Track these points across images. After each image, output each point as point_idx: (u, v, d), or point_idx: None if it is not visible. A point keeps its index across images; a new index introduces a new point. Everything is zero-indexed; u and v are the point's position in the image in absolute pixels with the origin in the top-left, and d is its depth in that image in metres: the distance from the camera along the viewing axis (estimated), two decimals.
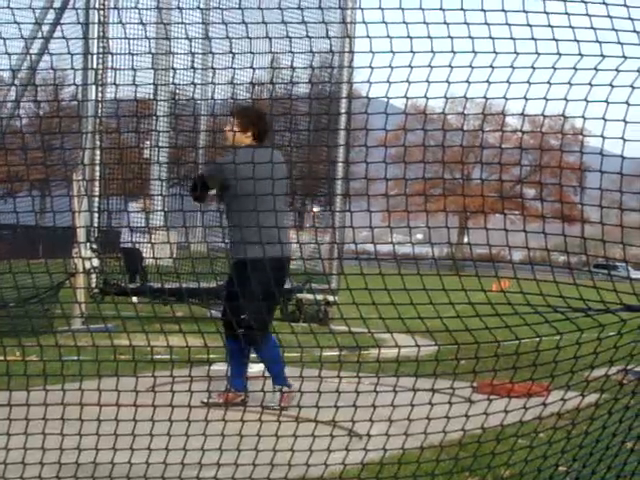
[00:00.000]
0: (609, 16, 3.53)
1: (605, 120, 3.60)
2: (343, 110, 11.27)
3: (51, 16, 9.77)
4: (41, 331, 4.30)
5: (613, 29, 3.52)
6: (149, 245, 13.04)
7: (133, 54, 3.93)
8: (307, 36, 3.96)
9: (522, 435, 3.79)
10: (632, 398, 3.62)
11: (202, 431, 3.51)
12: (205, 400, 4.76)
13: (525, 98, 3.67)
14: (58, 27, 9.20)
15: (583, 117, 3.68)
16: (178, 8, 3.91)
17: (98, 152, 10.31)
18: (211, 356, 5.17)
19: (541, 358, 3.66)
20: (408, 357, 4.22)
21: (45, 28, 9.22)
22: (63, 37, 4.15)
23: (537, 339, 3.67)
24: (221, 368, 4.48)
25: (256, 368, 5.31)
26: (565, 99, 3.65)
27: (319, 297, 12.40)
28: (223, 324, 5.82)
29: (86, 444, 3.53)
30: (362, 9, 3.76)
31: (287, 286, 12.81)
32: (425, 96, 3.77)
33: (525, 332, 3.59)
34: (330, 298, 12.39)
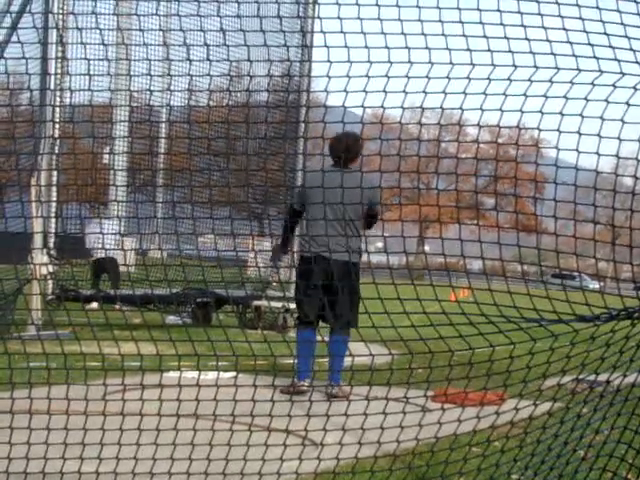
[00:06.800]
0: (564, 29, 3.57)
1: (560, 132, 3.64)
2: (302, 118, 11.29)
3: (9, 19, 9.67)
4: None
5: (568, 42, 3.56)
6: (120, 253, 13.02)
7: (89, 60, 3.90)
8: (265, 44, 3.96)
9: (475, 444, 3.80)
10: (583, 407, 3.65)
11: (153, 440, 3.48)
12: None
13: (481, 109, 3.70)
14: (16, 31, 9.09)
15: (538, 129, 3.71)
16: (136, 14, 3.89)
17: (55, 158, 10.22)
18: (170, 364, 5.13)
19: (495, 367, 3.68)
20: (365, 365, 4.22)
21: (2, 32, 9.12)
22: (19, 41, 4.09)
23: (491, 349, 3.69)
24: (173, 376, 4.45)
25: (211, 375, 5.28)
26: (521, 110, 3.68)
27: (279, 305, 12.37)
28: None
29: (35, 452, 3.49)
30: (320, 18, 3.76)
31: (244, 294, 12.82)
32: (382, 106, 3.79)
33: (480, 342, 3.60)
34: (291, 306, 12.36)
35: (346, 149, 6.75)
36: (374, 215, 6.89)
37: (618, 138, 3.53)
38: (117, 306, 10.84)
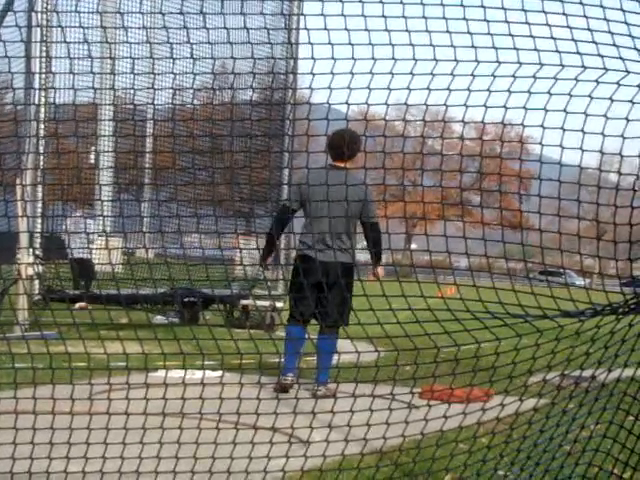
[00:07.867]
0: (547, 24, 3.58)
1: (544, 128, 3.64)
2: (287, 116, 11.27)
3: None
4: None
5: (551, 37, 3.56)
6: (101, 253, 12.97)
7: (72, 58, 3.89)
8: (249, 42, 3.95)
9: (462, 440, 3.81)
10: (569, 402, 3.66)
11: (140, 439, 3.47)
12: None
13: (465, 105, 3.70)
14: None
15: (522, 125, 3.72)
16: (119, 12, 3.87)
17: (41, 157, 10.17)
18: (157, 363, 5.13)
19: (481, 364, 3.69)
20: (351, 363, 4.22)
21: None
22: (1, 40, 4.07)
23: (477, 345, 3.70)
24: (160, 375, 4.45)
25: (198, 374, 5.27)
26: (505, 107, 3.68)
27: (266, 303, 12.35)
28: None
29: (21, 452, 3.47)
30: (305, 15, 3.76)
31: (230, 292, 12.82)
32: (366, 102, 3.79)
33: (466, 338, 3.61)
34: (279, 304, 12.34)
35: (343, 146, 6.70)
36: (373, 227, 6.79)
37: (602, 134, 3.54)
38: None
